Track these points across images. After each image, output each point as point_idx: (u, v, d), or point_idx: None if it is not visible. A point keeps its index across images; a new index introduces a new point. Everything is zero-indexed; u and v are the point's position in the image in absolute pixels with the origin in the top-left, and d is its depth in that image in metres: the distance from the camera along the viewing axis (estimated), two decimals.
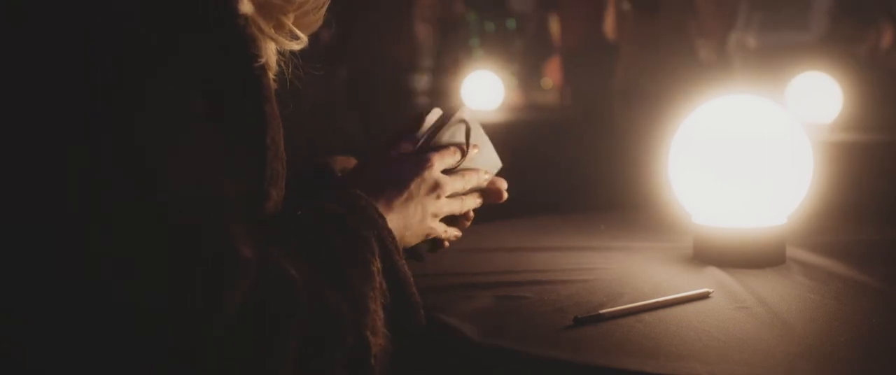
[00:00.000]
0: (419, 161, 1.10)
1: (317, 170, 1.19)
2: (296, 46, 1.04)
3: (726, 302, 1.14)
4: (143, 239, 0.79)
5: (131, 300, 0.78)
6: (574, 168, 3.96)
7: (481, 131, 1.18)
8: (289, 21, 1.02)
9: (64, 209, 0.79)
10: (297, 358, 0.84)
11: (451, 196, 1.13)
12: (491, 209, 1.20)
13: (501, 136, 1.39)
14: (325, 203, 1.01)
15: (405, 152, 1.12)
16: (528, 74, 7.25)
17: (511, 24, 4.46)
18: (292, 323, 0.84)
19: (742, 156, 1.32)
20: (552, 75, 7.08)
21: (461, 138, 1.15)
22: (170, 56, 0.84)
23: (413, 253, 1.13)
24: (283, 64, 1.05)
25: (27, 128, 0.80)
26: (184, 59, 0.85)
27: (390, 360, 0.95)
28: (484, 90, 4.70)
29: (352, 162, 1.20)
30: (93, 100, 0.80)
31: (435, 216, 1.11)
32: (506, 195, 1.18)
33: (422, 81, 5.88)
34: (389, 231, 1.01)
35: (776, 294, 1.17)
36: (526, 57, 7.38)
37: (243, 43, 0.92)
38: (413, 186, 1.08)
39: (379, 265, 0.98)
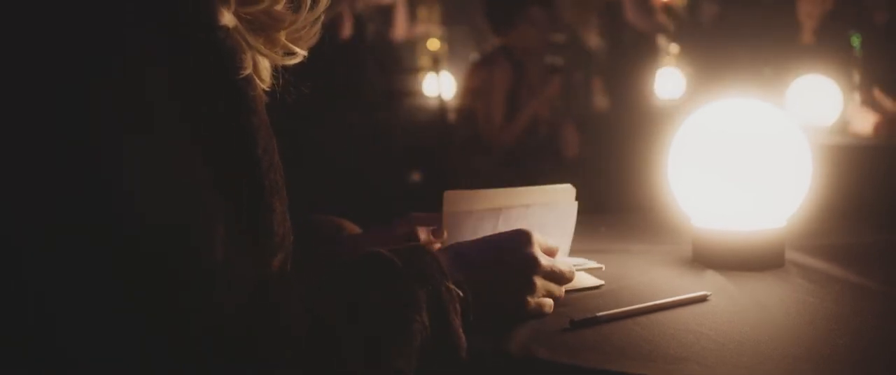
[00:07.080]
0: (520, 234, 1.08)
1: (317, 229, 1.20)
2: (290, 61, 1.03)
3: (725, 304, 1.13)
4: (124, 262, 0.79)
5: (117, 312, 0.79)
6: (574, 170, 3.96)
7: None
8: (281, 37, 1.01)
9: (42, 229, 0.79)
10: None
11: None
12: None
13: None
14: (384, 250, 0.98)
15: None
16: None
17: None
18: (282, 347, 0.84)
19: (742, 158, 1.31)
20: None
21: None
22: (146, 69, 0.83)
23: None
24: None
25: None
26: (160, 73, 0.83)
27: None
28: None
29: (354, 228, 1.24)
30: (72, 120, 0.79)
31: (527, 292, 1.06)
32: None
33: None
34: (449, 288, 0.97)
35: (775, 297, 1.17)
36: None
37: (223, 55, 0.90)
38: (508, 255, 1.06)
39: (426, 322, 0.94)
